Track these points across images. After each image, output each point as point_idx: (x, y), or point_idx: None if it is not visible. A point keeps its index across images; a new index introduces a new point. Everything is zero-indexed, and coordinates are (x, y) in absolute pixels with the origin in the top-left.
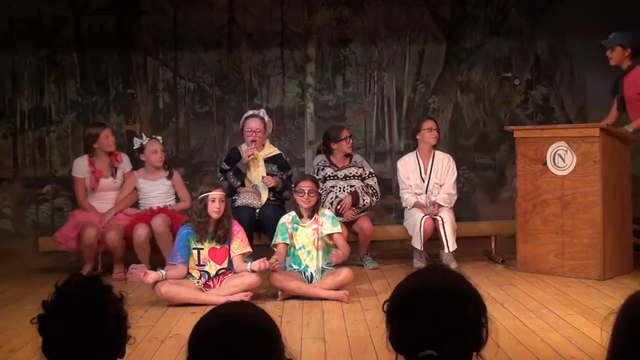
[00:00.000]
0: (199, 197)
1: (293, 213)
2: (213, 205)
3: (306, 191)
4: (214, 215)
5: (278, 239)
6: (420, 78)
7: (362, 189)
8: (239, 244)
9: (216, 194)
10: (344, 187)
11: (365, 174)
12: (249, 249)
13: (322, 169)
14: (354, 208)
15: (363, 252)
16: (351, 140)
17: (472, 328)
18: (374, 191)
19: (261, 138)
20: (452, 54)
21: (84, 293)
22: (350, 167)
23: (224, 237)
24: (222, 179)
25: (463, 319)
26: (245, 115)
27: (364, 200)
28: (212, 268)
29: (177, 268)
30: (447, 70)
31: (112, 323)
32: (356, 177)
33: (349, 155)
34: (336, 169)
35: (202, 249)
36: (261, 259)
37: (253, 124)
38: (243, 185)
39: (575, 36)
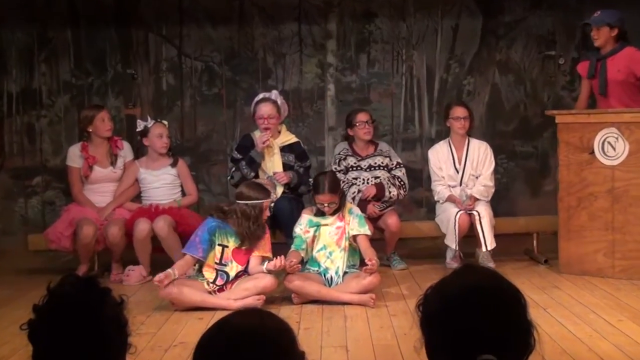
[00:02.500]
0: (252, 202)
1: (308, 216)
2: (266, 213)
3: (326, 204)
4: (264, 222)
5: (292, 246)
6: (453, 57)
7: (389, 180)
8: (262, 246)
9: (269, 201)
10: (368, 179)
11: (393, 164)
12: (269, 254)
13: (344, 159)
14: (378, 203)
15: (390, 250)
16: (369, 126)
17: (519, 334)
18: (402, 183)
19: (275, 124)
20: (489, 29)
21: (79, 296)
22: (375, 156)
23: (256, 242)
24: (233, 169)
25: (510, 324)
26: (256, 99)
27: (390, 192)
28: (232, 270)
29: (185, 260)
30: (483, 48)
31: (110, 330)
32: (382, 168)
33: (374, 143)
34: (359, 158)
35: (227, 246)
36: (277, 258)
37: (265, 110)
38: (257, 176)
39: (626, 10)
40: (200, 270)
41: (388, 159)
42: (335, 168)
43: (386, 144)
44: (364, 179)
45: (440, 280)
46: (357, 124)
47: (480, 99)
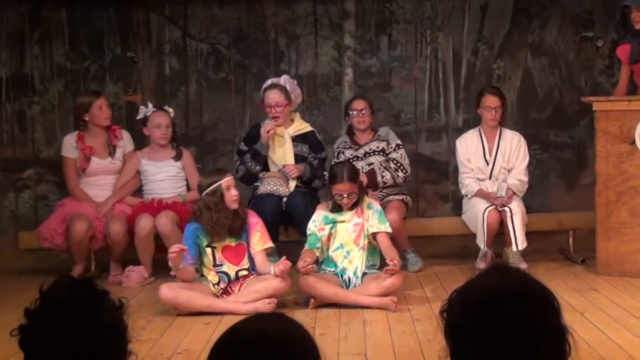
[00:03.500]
0: (210, 189)
1: (323, 212)
2: (230, 194)
3: (345, 195)
4: (234, 206)
5: (306, 244)
6: (482, 38)
7: (381, 165)
8: (259, 239)
9: (229, 180)
10: (362, 168)
11: (391, 147)
12: (270, 244)
13: (342, 152)
14: (375, 192)
15: (404, 247)
16: (364, 115)
17: (552, 341)
18: (398, 165)
19: (284, 113)
20: (521, 8)
21: (74, 299)
22: (371, 142)
23: (239, 231)
24: (238, 162)
25: (542, 331)
26: (264, 86)
27: (383, 177)
28: (230, 269)
29: (186, 269)
30: (514, 29)
31: (108, 336)
32: (377, 153)
33: (374, 130)
34: (357, 147)
35: (216, 247)
36: (281, 261)
37: (272, 97)
38: (265, 169)
39: None
40: (203, 275)
41: (385, 142)
42: (344, 162)
43: (386, 128)
44: (360, 169)
45: (465, 283)
46: (351, 112)
47: (511, 85)
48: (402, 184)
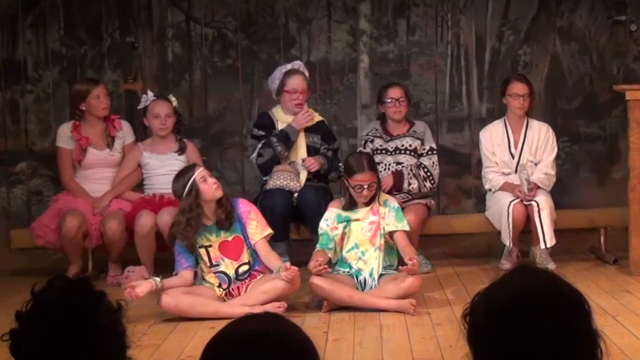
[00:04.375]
0: (185, 187)
1: (336, 210)
2: (208, 184)
3: (365, 186)
4: (217, 194)
5: (317, 244)
6: (507, 22)
7: (412, 170)
8: (256, 227)
9: (202, 171)
10: (390, 165)
11: (424, 149)
12: (269, 230)
13: (371, 141)
14: (399, 195)
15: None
16: (402, 105)
17: (583, 347)
18: (428, 175)
19: (304, 100)
20: None
21: (69, 301)
22: (405, 136)
23: (228, 221)
24: (261, 146)
25: (571, 336)
26: (284, 70)
27: (409, 184)
28: (228, 267)
29: (181, 275)
30: (542, 12)
31: (105, 341)
32: (409, 152)
33: (410, 122)
34: (388, 139)
35: (211, 245)
36: (286, 267)
37: (296, 82)
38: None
39: None
40: (204, 278)
41: (419, 142)
42: (361, 151)
43: (424, 124)
44: (386, 165)
45: (489, 285)
46: (387, 101)
47: (538, 72)
48: (427, 192)
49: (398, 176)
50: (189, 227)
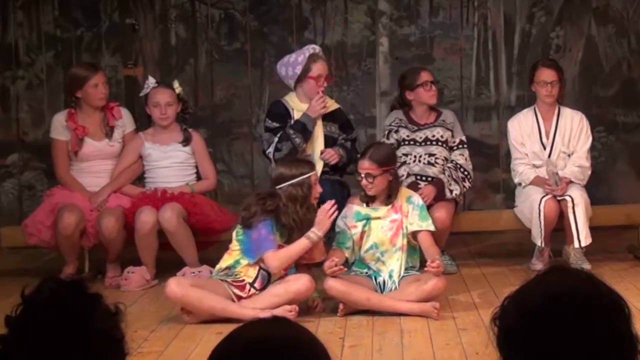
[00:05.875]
0: (296, 180)
1: (355, 207)
2: (317, 189)
3: (363, 175)
4: (315, 203)
5: (334, 243)
6: (538, 2)
7: (451, 175)
8: None
9: (316, 174)
10: (421, 157)
11: (454, 141)
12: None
13: (396, 131)
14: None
15: (441, 247)
16: (434, 87)
17: (622, 352)
18: (466, 174)
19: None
20: None
21: (61, 304)
22: (434, 126)
23: (307, 230)
24: (278, 140)
25: (610, 340)
26: (307, 53)
27: (452, 191)
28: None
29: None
30: None
31: (101, 347)
32: (440, 144)
33: (436, 111)
34: (415, 128)
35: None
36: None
37: (323, 68)
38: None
39: None
40: (227, 268)
41: (450, 133)
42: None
43: (452, 114)
44: (416, 156)
45: (521, 287)
46: (422, 84)
47: (571, 57)
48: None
49: (439, 185)
50: (304, 221)
